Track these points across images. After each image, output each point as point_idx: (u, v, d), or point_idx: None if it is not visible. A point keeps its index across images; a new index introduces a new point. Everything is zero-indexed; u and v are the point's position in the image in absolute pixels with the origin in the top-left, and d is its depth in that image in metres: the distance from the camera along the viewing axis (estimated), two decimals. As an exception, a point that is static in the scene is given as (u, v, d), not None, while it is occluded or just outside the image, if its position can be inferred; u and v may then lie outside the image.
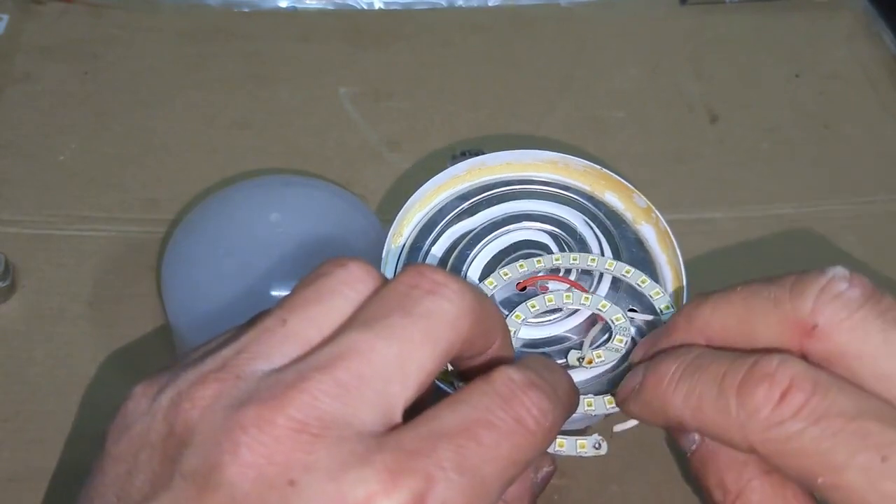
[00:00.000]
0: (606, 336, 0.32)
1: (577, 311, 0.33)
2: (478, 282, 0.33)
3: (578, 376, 0.31)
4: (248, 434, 0.20)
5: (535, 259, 0.33)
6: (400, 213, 0.35)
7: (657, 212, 0.35)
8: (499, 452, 0.21)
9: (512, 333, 0.31)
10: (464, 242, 0.35)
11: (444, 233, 0.35)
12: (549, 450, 0.28)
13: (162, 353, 0.41)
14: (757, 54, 0.58)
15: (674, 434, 0.27)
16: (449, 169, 0.37)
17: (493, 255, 0.34)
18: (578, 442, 0.28)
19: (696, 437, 0.26)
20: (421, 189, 0.36)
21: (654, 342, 0.28)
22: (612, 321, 0.31)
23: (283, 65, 0.55)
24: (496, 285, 0.32)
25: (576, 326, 0.33)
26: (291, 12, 0.58)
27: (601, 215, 0.36)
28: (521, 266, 0.33)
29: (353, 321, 0.22)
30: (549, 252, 0.34)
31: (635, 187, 0.36)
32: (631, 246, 0.35)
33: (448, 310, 0.22)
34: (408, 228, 0.35)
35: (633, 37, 0.59)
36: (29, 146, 0.49)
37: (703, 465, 0.25)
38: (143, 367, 0.36)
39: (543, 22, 0.59)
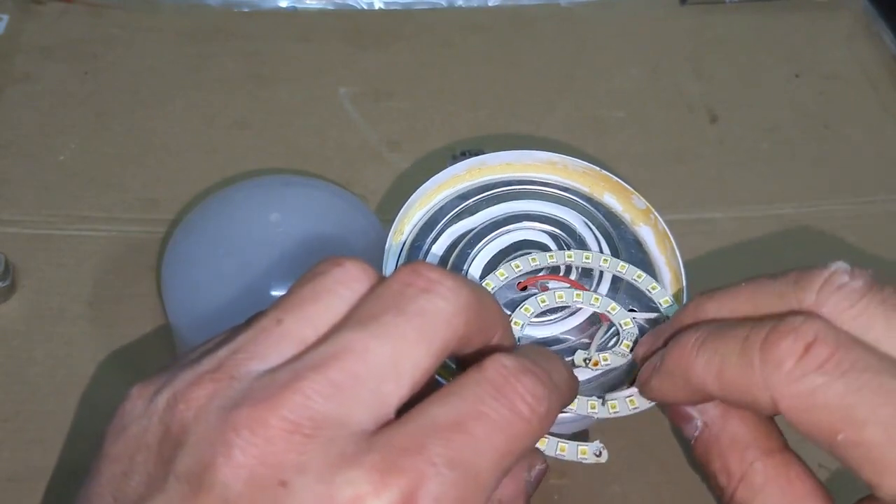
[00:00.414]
0: (612, 339, 0.32)
1: (577, 311, 0.33)
2: (481, 279, 0.33)
3: (582, 377, 0.31)
4: (241, 435, 0.20)
5: (530, 257, 0.33)
6: (401, 211, 0.35)
7: (656, 213, 0.35)
8: (492, 443, 0.21)
9: (519, 327, 0.31)
10: (464, 241, 0.35)
11: (444, 232, 0.35)
12: (550, 454, 0.28)
13: (162, 353, 0.41)
14: (757, 54, 0.58)
15: (676, 422, 0.27)
16: (449, 168, 0.37)
17: (493, 254, 0.34)
18: (580, 448, 0.28)
19: (699, 422, 0.26)
20: (423, 187, 0.36)
21: (658, 338, 0.28)
22: (621, 325, 0.31)
23: (283, 65, 0.55)
24: (493, 286, 0.32)
25: (576, 326, 0.33)
26: (291, 12, 0.58)
27: (600, 216, 0.36)
28: (516, 266, 0.33)
29: (348, 320, 0.22)
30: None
31: (635, 187, 0.36)
32: (630, 247, 0.35)
33: (443, 308, 0.22)
34: (408, 227, 0.36)
35: (633, 37, 0.59)
36: (29, 146, 0.49)
37: (707, 450, 0.25)
38: (143, 367, 0.37)
39: (543, 22, 0.59)
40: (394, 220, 0.35)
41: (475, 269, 0.34)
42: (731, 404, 0.25)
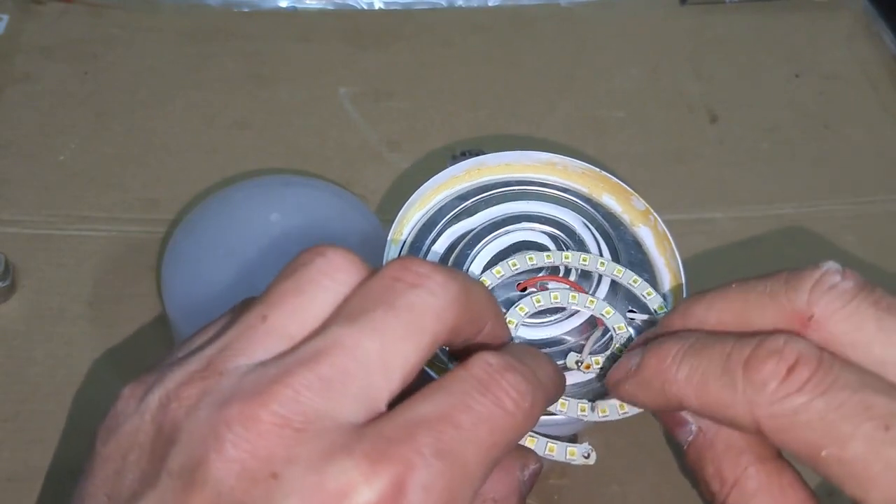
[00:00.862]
0: (607, 342, 0.32)
1: (576, 312, 0.33)
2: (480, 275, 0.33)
3: (574, 380, 0.31)
4: (233, 430, 0.20)
5: (528, 256, 0.33)
6: (400, 211, 0.35)
7: (655, 214, 0.35)
8: (478, 435, 0.21)
9: (514, 326, 0.31)
10: (463, 242, 0.35)
11: (443, 232, 0.35)
12: (539, 453, 0.28)
13: (162, 353, 0.41)
14: (757, 54, 0.58)
15: (669, 427, 0.27)
16: (448, 168, 0.37)
17: (493, 254, 0.34)
18: (569, 449, 0.28)
19: (694, 427, 0.26)
20: (422, 187, 0.36)
21: (647, 341, 0.28)
22: (615, 329, 0.31)
23: (283, 65, 0.55)
24: (490, 284, 0.33)
25: (576, 328, 0.33)
26: (291, 12, 0.58)
27: (599, 217, 0.36)
28: (513, 264, 0.33)
29: (337, 316, 0.22)
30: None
31: (635, 187, 0.36)
32: (629, 248, 0.35)
33: (431, 302, 0.23)
34: (407, 228, 0.35)
35: (633, 37, 0.59)
36: (29, 146, 0.50)
37: (700, 455, 0.25)
38: (142, 367, 0.36)
39: (543, 22, 0.59)
40: (393, 220, 0.35)
41: (475, 269, 0.34)
42: (708, 419, 0.25)
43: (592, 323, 0.33)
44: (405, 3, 0.59)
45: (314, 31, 0.57)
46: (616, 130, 0.53)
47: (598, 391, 0.31)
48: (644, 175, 0.49)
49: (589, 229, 0.35)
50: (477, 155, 0.37)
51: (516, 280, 0.33)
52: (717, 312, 0.26)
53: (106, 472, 0.22)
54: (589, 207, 0.36)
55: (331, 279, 0.23)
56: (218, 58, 0.55)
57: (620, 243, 0.35)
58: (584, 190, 0.37)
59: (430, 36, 0.57)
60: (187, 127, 0.51)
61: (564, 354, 0.31)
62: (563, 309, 0.33)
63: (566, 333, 0.32)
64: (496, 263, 0.34)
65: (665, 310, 0.32)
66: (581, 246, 0.35)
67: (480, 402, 0.22)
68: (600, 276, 0.34)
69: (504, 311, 0.32)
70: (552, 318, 0.33)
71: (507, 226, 0.35)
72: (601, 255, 0.34)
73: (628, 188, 0.36)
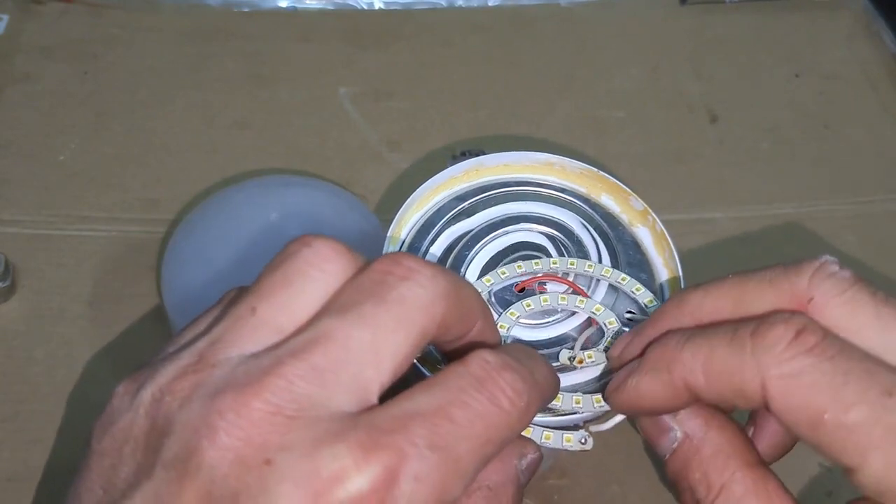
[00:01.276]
0: (598, 337, 0.32)
1: (574, 313, 0.33)
2: (476, 279, 0.33)
3: (570, 378, 0.31)
4: (225, 419, 0.20)
5: (534, 261, 0.33)
6: (398, 212, 0.35)
7: (654, 214, 0.35)
8: (472, 431, 0.22)
9: (506, 330, 0.31)
10: (462, 243, 0.35)
11: (442, 233, 0.35)
12: (535, 441, 0.28)
13: (161, 353, 0.41)
14: (757, 54, 0.58)
15: (652, 437, 0.27)
16: (447, 169, 0.37)
17: (491, 255, 0.34)
18: (564, 436, 0.28)
19: (679, 433, 0.26)
20: (421, 188, 0.36)
21: (638, 333, 0.28)
22: (605, 324, 0.31)
23: (283, 65, 0.55)
24: (493, 283, 0.33)
25: (575, 328, 0.33)
26: (291, 12, 0.58)
27: (597, 218, 0.36)
28: (518, 267, 0.33)
29: (328, 309, 0.23)
30: (547, 254, 0.34)
31: (635, 187, 0.36)
32: (627, 248, 0.35)
33: (421, 295, 0.23)
34: (406, 229, 0.35)
35: (633, 37, 0.59)
36: (29, 146, 0.50)
37: (686, 462, 0.25)
38: (142, 368, 0.36)
39: (543, 22, 0.59)
40: (392, 220, 0.35)
41: (473, 270, 0.34)
42: (712, 400, 0.25)
43: (592, 323, 0.33)
44: (405, 3, 0.59)
45: (314, 31, 0.57)
46: (616, 130, 0.53)
47: (591, 387, 0.31)
48: (644, 175, 0.49)
49: (587, 230, 0.35)
50: (477, 155, 0.37)
51: (507, 286, 0.33)
52: (714, 299, 0.26)
53: (101, 467, 0.22)
54: (587, 208, 0.36)
55: (319, 270, 0.23)
56: (218, 58, 0.55)
57: (619, 243, 0.35)
58: (583, 190, 0.37)
59: (430, 36, 0.57)
60: (187, 127, 0.51)
61: (558, 354, 0.32)
62: (563, 310, 0.33)
63: (565, 334, 0.32)
64: (496, 264, 0.34)
65: (655, 304, 0.32)
66: (579, 246, 0.35)
67: (477, 399, 0.22)
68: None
69: (496, 314, 0.32)
70: (552, 318, 0.33)
71: (505, 227, 0.35)
72: (599, 255, 0.34)
73: (626, 188, 0.36)
